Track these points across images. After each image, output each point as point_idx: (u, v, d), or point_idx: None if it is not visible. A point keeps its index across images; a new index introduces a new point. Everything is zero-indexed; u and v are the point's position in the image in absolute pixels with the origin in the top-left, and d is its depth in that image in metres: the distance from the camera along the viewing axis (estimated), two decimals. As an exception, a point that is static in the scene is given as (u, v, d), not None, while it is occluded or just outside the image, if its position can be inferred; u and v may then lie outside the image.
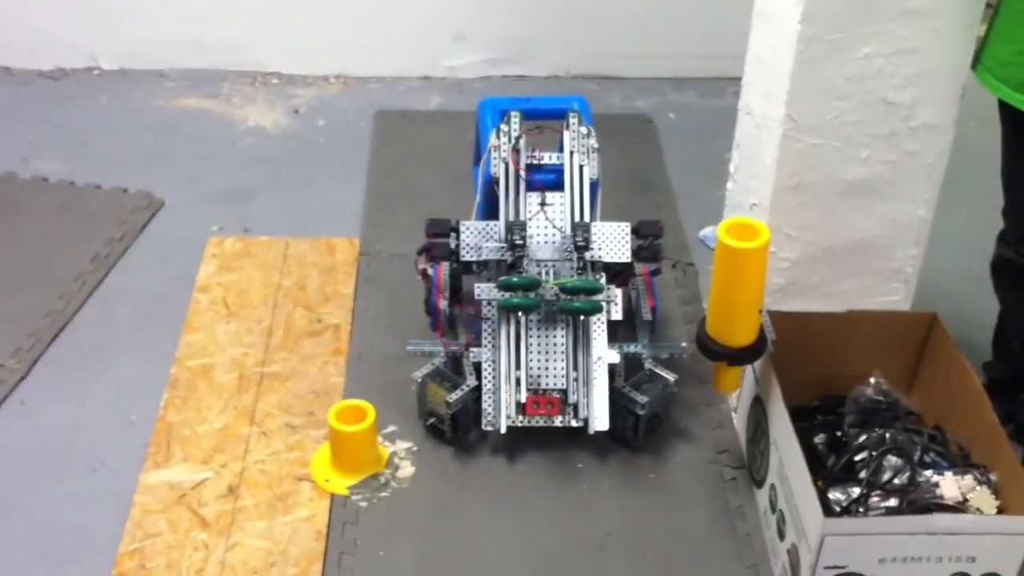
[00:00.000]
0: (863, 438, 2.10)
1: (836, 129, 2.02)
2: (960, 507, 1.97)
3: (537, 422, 2.23)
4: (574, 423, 2.23)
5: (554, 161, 2.44)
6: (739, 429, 2.34)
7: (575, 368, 2.26)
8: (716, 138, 3.02)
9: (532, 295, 2.24)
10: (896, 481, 2.01)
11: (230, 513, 2.16)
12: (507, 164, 2.38)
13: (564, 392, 2.25)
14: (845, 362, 2.25)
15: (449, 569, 2.07)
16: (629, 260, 2.40)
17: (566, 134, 2.43)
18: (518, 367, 2.24)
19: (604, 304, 2.27)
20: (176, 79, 3.51)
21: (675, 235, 2.91)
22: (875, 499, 2.00)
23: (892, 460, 2.04)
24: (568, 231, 2.34)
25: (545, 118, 2.51)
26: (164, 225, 2.92)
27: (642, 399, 2.23)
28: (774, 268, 2.19)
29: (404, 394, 2.37)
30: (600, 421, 2.21)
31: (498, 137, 2.40)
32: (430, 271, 2.40)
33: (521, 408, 2.23)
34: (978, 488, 1.98)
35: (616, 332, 2.36)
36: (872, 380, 2.19)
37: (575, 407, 2.23)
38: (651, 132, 3.37)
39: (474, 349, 2.30)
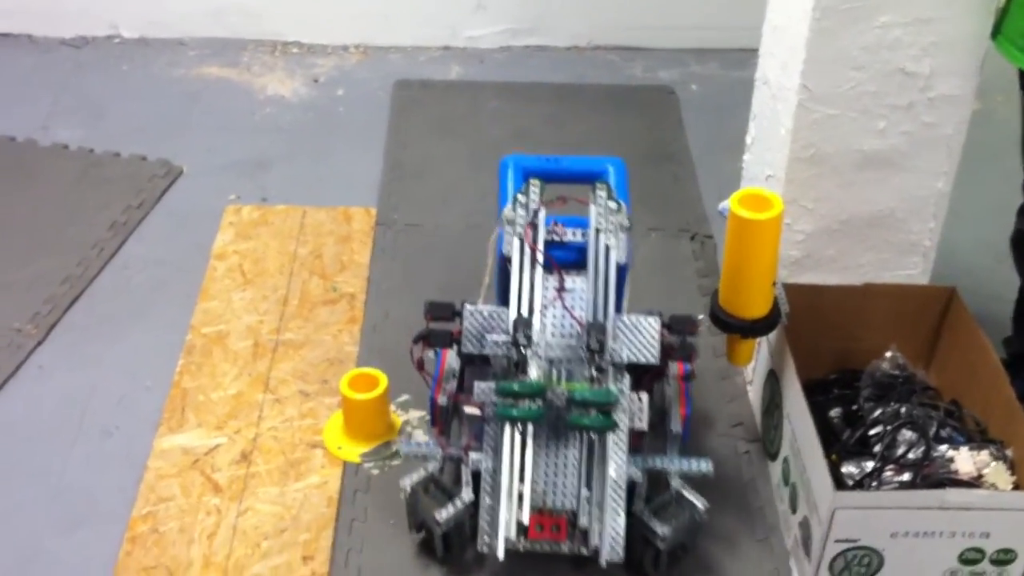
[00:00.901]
0: (878, 412, 2.08)
1: (852, 99, 1.99)
2: (975, 482, 1.95)
3: (541, 547, 1.91)
4: (584, 551, 1.90)
5: (579, 239, 2.07)
6: (753, 402, 2.33)
7: (588, 486, 1.91)
8: (738, 110, 2.95)
9: (536, 404, 1.88)
10: (910, 456, 1.99)
11: (243, 479, 2.17)
12: (522, 242, 2.03)
13: (574, 514, 1.91)
14: (862, 336, 2.23)
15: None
16: (656, 361, 2.01)
17: (592, 209, 2.06)
18: (521, 481, 1.89)
19: (621, 419, 1.93)
20: (196, 48, 3.52)
21: (694, 207, 2.89)
22: (888, 473, 1.98)
23: (907, 434, 2.02)
24: (587, 322, 1.97)
25: (574, 181, 2.16)
26: (182, 193, 2.93)
27: (663, 530, 1.91)
28: (790, 240, 2.17)
29: (417, 363, 2.37)
30: (614, 551, 1.87)
31: (514, 209, 2.05)
32: (430, 357, 2.08)
33: (523, 530, 1.89)
34: (993, 463, 1.96)
35: (641, 441, 2.02)
36: (888, 354, 2.17)
37: (585, 533, 1.89)
38: (672, 104, 3.34)
39: (474, 455, 1.97)
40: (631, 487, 1.95)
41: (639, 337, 2.00)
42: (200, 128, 3.17)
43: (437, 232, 2.82)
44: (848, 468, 2.00)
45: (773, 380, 2.17)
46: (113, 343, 2.47)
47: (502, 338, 1.97)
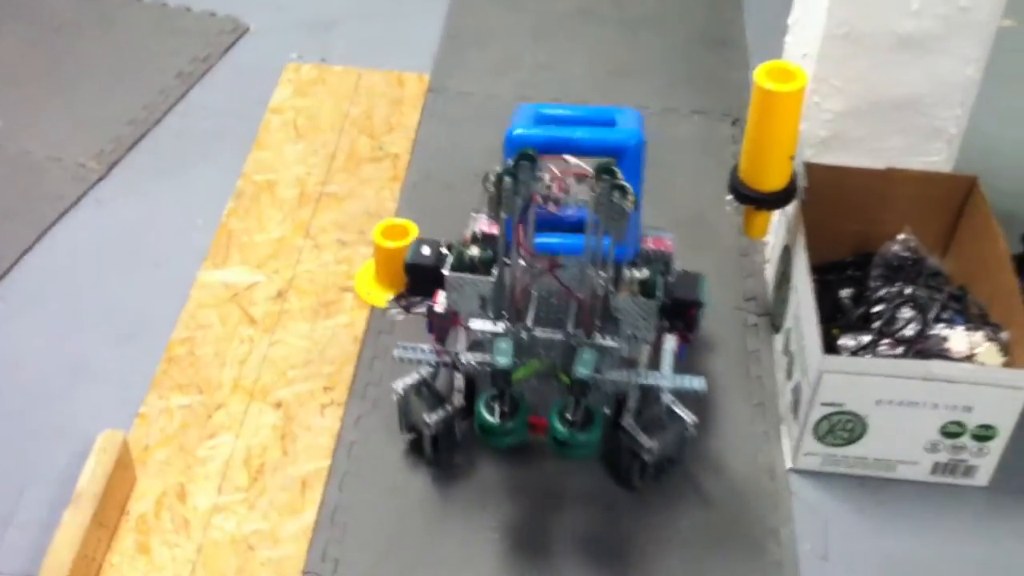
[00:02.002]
0: (883, 291, 2.14)
1: (887, -21, 2.01)
2: (966, 361, 2.00)
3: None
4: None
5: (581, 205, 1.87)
6: (768, 279, 2.39)
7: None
8: None
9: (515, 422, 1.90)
10: (907, 332, 2.05)
11: (276, 314, 2.32)
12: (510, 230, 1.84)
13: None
14: (881, 220, 2.27)
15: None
16: (650, 340, 1.94)
17: (592, 199, 1.77)
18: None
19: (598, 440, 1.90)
20: (274, -88, 3.60)
21: (739, 92, 2.91)
22: (883, 347, 2.04)
23: (907, 312, 2.07)
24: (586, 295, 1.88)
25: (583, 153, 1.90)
26: (247, 49, 3.05)
27: (650, 443, 1.92)
28: (818, 119, 2.21)
29: (453, 220, 2.46)
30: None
31: (500, 189, 1.75)
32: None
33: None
34: (987, 344, 2.01)
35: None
36: (901, 236, 2.21)
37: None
38: (735, -11, 3.34)
39: (465, 358, 1.97)
40: (620, 401, 1.98)
41: (635, 319, 1.85)
42: (269, -12, 3.27)
43: (488, 101, 2.89)
44: (845, 341, 2.07)
45: (786, 255, 2.22)
46: (169, 183, 2.62)
47: (485, 326, 1.93)
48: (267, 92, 2.89)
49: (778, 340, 2.23)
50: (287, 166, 2.67)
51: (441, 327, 2.05)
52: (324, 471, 2.02)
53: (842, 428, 1.96)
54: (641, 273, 1.82)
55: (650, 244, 2.11)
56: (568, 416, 1.89)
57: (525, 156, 1.78)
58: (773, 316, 2.30)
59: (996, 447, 1.96)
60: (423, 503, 1.99)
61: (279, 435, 2.08)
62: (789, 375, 2.09)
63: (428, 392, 2.01)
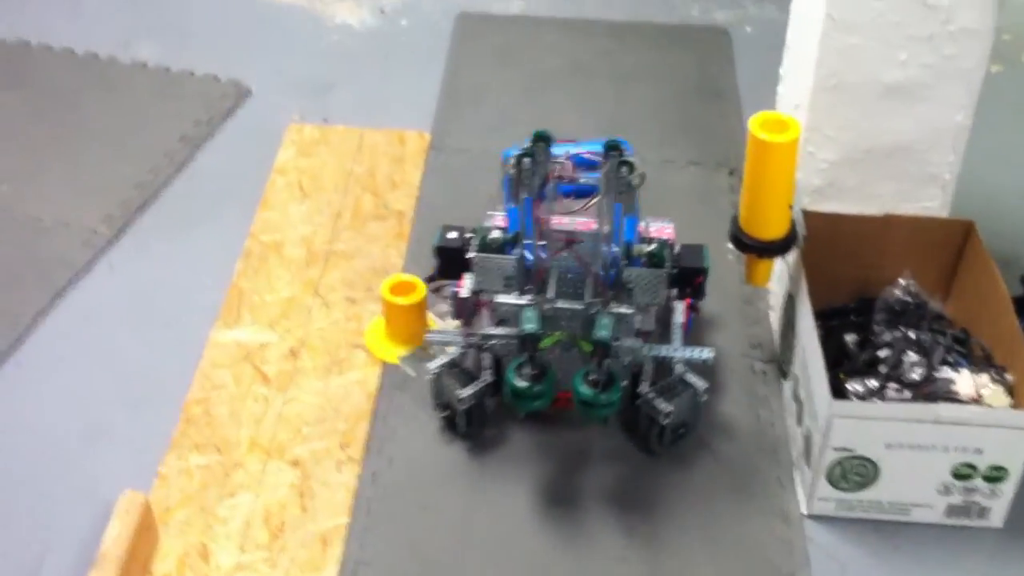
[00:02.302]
0: (888, 336, 2.18)
1: (874, 30, 2.06)
2: (974, 403, 2.04)
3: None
4: None
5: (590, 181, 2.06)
6: (774, 326, 2.43)
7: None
8: (787, 50, 3.06)
9: (544, 388, 2.02)
10: (913, 376, 2.09)
11: (290, 373, 2.35)
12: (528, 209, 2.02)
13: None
14: (881, 265, 2.32)
15: (485, 432, 2.22)
16: (662, 303, 2.14)
17: (602, 176, 1.98)
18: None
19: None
20: (271, -24, 3.68)
21: (735, 143, 2.96)
22: (891, 391, 2.08)
23: (912, 356, 2.12)
24: (599, 268, 2.06)
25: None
26: (249, 112, 3.10)
27: (666, 407, 2.08)
28: (813, 168, 2.26)
29: (458, 275, 2.53)
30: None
31: (518, 168, 1.97)
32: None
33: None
34: (992, 386, 2.05)
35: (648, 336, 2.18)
36: (902, 281, 2.26)
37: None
38: (725, 44, 3.42)
39: (495, 341, 2.15)
40: (637, 372, 2.14)
41: (645, 287, 2.08)
42: (270, 52, 3.33)
43: (487, 157, 2.92)
44: (853, 386, 2.11)
45: (790, 303, 2.27)
46: (178, 245, 2.65)
47: (511, 299, 2.11)
48: (271, 153, 2.93)
49: (787, 387, 2.27)
50: (293, 226, 2.71)
51: (467, 310, 2.23)
52: (343, 527, 2.04)
53: (854, 473, 1.99)
54: (649, 246, 2.06)
55: (652, 233, 2.22)
56: (591, 378, 2.00)
57: (541, 137, 1.99)
58: (780, 363, 2.34)
59: (1008, 488, 1.99)
60: (458, 474, 2.14)
61: (297, 492, 2.10)
62: (799, 421, 2.13)
63: (459, 371, 2.17)
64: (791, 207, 2.12)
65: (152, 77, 3.19)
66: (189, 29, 3.41)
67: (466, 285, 2.21)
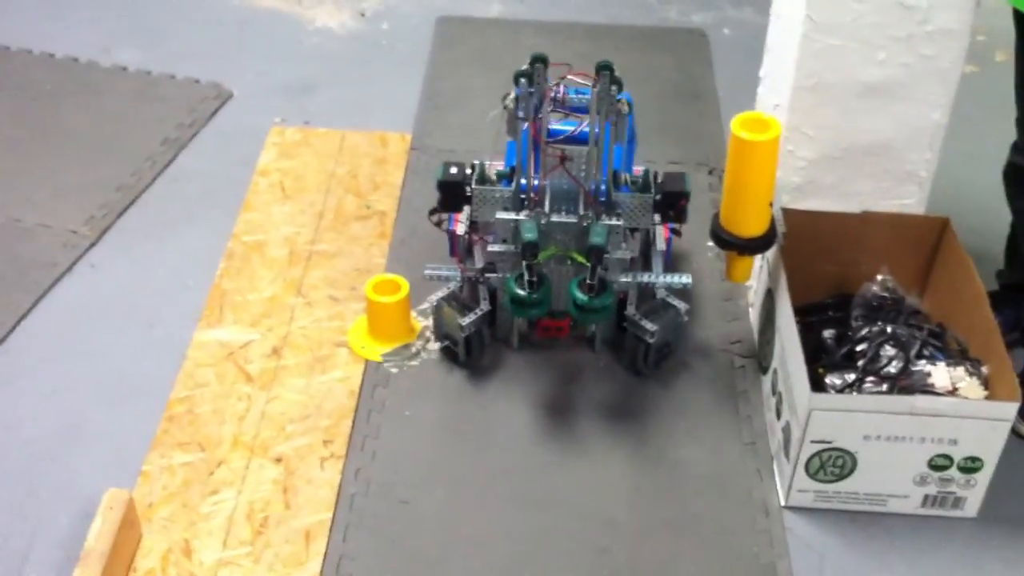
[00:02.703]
0: (865, 330, 2.21)
1: (854, 31, 2.10)
2: (949, 395, 2.07)
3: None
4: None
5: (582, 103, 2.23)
6: (753, 322, 2.46)
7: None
8: (765, 52, 3.09)
9: (539, 295, 2.18)
10: (890, 369, 2.12)
11: (273, 371, 2.35)
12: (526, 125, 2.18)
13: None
14: (858, 262, 2.35)
15: (465, 428, 2.25)
16: (650, 227, 2.35)
17: (593, 92, 2.14)
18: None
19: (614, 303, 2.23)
20: (252, -20, 3.69)
21: (714, 143, 3.01)
22: (868, 384, 2.11)
23: (889, 350, 2.14)
24: (591, 185, 2.23)
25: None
26: (231, 114, 3.11)
27: (652, 327, 2.25)
28: (792, 167, 2.29)
29: (440, 274, 2.55)
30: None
31: (518, 91, 2.14)
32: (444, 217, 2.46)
33: (533, 331, 2.40)
34: (968, 379, 2.08)
35: (633, 264, 2.36)
36: (879, 277, 2.28)
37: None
38: (703, 46, 3.45)
39: (490, 275, 2.34)
40: (623, 297, 2.31)
41: (634, 211, 2.29)
42: (251, 55, 3.34)
43: (467, 157, 2.95)
44: (831, 379, 2.13)
45: (769, 299, 2.29)
46: (160, 246, 2.66)
47: (510, 215, 2.26)
48: (253, 155, 2.94)
49: (766, 381, 2.29)
50: (276, 226, 2.72)
51: (463, 248, 2.41)
52: (327, 523, 2.05)
53: (832, 464, 2.02)
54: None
55: (638, 172, 2.39)
56: (587, 283, 2.15)
57: (538, 59, 2.14)
58: (759, 357, 2.36)
59: (983, 479, 2.02)
60: (439, 469, 2.18)
61: (281, 489, 2.11)
62: (778, 414, 2.15)
63: (457, 302, 2.32)
64: (771, 205, 2.14)
65: (133, 81, 3.20)
66: (170, 33, 3.42)
67: (462, 221, 2.38)
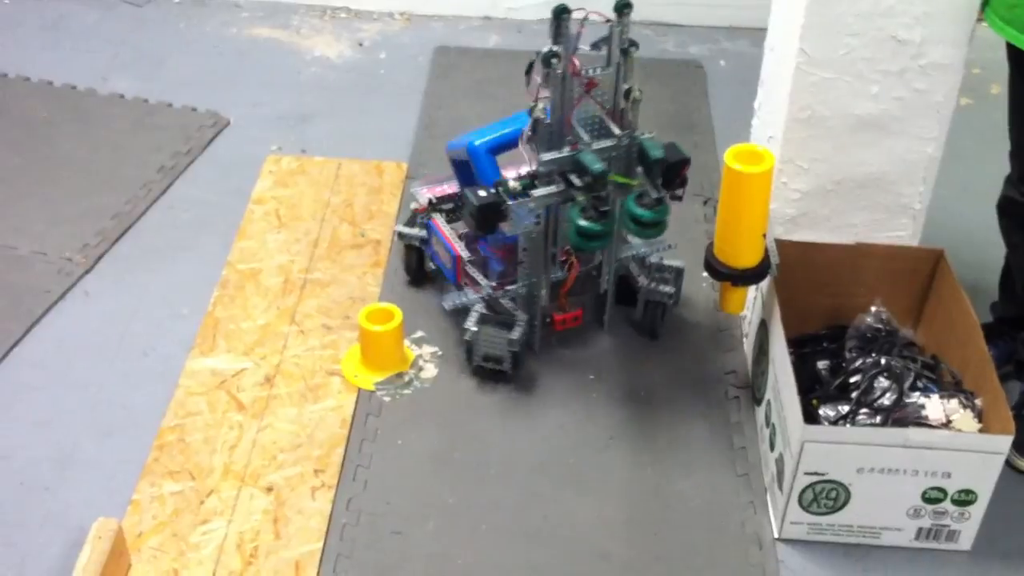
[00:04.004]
0: (859, 362, 2.20)
1: (847, 64, 2.10)
2: (943, 428, 2.06)
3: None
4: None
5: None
6: (747, 353, 2.45)
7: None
8: (760, 84, 3.11)
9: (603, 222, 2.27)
10: (884, 401, 2.11)
11: (265, 399, 2.35)
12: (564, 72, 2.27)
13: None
14: (853, 293, 2.34)
15: (458, 458, 2.24)
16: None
17: (612, 28, 2.33)
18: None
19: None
20: (250, 10, 3.70)
21: (709, 174, 3.01)
22: (862, 416, 2.10)
23: (883, 382, 2.14)
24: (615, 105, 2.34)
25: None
26: (228, 143, 3.11)
27: (670, 289, 2.47)
28: (786, 199, 2.29)
29: (434, 303, 2.54)
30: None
31: (558, 18, 2.26)
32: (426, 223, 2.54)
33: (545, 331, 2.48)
34: (962, 411, 2.07)
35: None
36: (873, 309, 2.28)
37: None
38: (699, 77, 3.47)
39: (509, 287, 2.40)
40: (632, 272, 2.51)
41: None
42: (248, 84, 3.35)
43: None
44: (825, 411, 2.13)
45: (763, 330, 2.29)
46: (155, 274, 2.65)
47: (555, 154, 2.26)
48: (249, 183, 2.95)
49: (760, 412, 2.28)
50: (271, 255, 2.72)
51: (479, 264, 2.44)
52: (317, 554, 2.04)
53: (826, 497, 2.01)
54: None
55: None
56: (655, 197, 2.28)
57: (562, 10, 2.25)
58: (753, 389, 2.35)
59: (977, 512, 2.01)
60: (431, 501, 2.17)
61: (271, 519, 2.10)
62: (772, 446, 2.14)
63: (493, 322, 2.38)
64: (765, 236, 2.14)
65: (130, 109, 3.21)
66: (168, 61, 3.43)
67: (454, 241, 2.47)
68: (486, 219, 2.28)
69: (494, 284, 2.41)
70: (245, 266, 2.69)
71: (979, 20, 2.07)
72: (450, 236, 2.48)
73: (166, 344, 2.47)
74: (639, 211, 2.29)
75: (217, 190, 2.93)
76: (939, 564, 2.05)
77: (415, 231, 2.59)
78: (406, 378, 2.40)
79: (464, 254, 2.45)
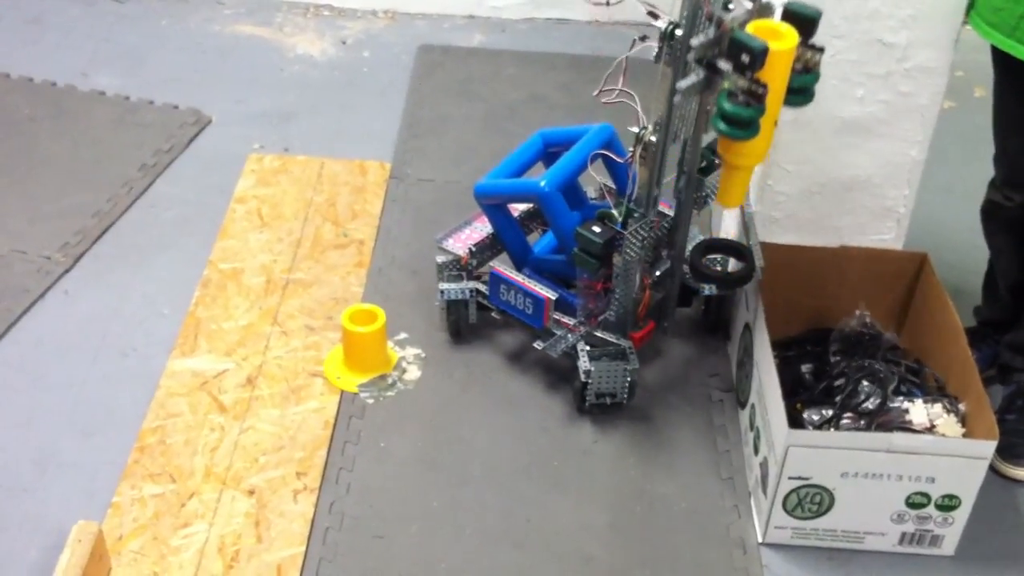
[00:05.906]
0: (843, 366, 2.20)
1: (833, 67, 2.10)
2: (927, 432, 2.06)
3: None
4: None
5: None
6: (731, 355, 2.45)
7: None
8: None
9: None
10: (868, 405, 2.11)
11: (247, 401, 2.33)
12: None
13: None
14: (837, 296, 2.35)
15: (442, 461, 2.22)
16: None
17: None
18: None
19: None
20: (233, 7, 3.67)
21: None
22: (846, 420, 2.10)
23: (867, 386, 2.14)
24: None
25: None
26: (209, 141, 3.09)
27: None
28: (771, 201, 2.29)
29: (419, 304, 2.53)
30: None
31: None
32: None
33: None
34: (946, 416, 2.08)
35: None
36: (857, 313, 2.28)
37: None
38: (684, 78, 3.45)
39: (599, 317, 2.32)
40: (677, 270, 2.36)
41: None
42: (230, 81, 3.32)
43: (447, 187, 2.96)
44: (809, 415, 2.13)
45: (747, 333, 2.29)
46: (136, 273, 2.63)
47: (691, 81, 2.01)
48: (231, 182, 2.92)
49: (744, 416, 2.28)
50: (253, 254, 2.70)
51: (583, 295, 2.32)
52: (299, 557, 2.02)
53: (810, 501, 2.01)
54: None
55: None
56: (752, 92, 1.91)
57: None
58: (737, 392, 2.35)
59: (960, 516, 2.01)
60: (414, 502, 2.04)
61: (253, 522, 2.08)
62: (756, 450, 2.14)
63: (603, 353, 2.29)
64: (776, 124, 2.00)
65: (111, 106, 3.18)
66: (149, 58, 3.40)
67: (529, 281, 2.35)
68: (606, 255, 2.19)
69: (587, 321, 2.32)
70: (227, 266, 2.66)
71: (963, 23, 2.08)
72: (527, 281, 2.34)
73: (147, 344, 2.45)
74: (734, 108, 1.92)
75: (199, 189, 2.90)
76: (922, 569, 2.05)
77: (463, 285, 2.42)
78: (389, 380, 2.39)
79: (552, 295, 2.31)
